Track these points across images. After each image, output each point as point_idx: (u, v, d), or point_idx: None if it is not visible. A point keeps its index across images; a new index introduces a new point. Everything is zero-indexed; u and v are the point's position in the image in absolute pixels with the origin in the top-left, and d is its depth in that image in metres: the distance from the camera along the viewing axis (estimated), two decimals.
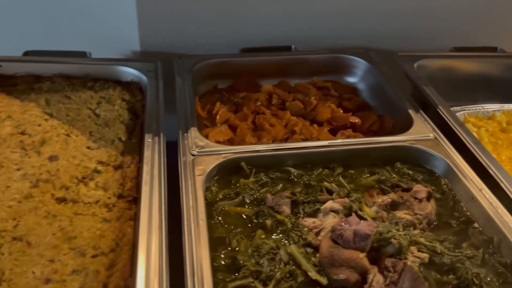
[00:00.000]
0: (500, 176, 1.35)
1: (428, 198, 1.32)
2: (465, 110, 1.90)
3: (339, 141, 1.48)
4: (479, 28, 2.20)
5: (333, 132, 1.70)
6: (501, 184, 1.33)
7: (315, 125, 1.70)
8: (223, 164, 1.36)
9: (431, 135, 1.53)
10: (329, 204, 1.25)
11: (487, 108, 1.93)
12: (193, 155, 1.38)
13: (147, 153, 1.36)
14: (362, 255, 1.07)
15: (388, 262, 1.06)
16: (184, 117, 1.55)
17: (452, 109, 1.87)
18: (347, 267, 1.06)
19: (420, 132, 1.54)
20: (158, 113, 1.55)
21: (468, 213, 1.31)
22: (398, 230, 1.17)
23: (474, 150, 1.46)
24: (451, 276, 1.10)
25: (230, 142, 1.63)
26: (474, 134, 1.78)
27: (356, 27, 2.11)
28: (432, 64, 2.03)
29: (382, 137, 1.51)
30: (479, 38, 2.19)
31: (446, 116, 1.63)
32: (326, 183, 1.34)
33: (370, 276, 1.02)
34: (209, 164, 1.34)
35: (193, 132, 1.46)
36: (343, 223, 1.14)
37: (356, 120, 1.73)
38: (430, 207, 1.27)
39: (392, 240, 1.11)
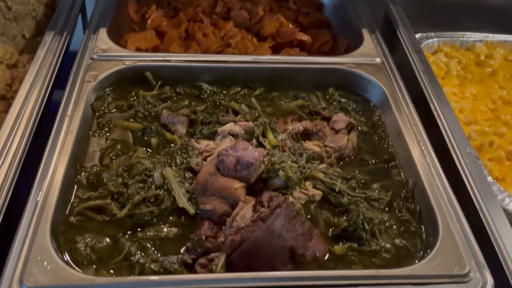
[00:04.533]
0: (440, 112, 1.16)
1: (350, 130, 1.14)
2: (441, 37, 1.65)
3: (265, 57, 1.28)
4: None
5: (277, 50, 1.49)
6: (438, 120, 1.13)
7: (254, 40, 1.49)
8: (123, 72, 1.20)
9: (378, 60, 1.31)
10: (229, 126, 1.09)
11: (467, 38, 1.67)
12: (92, 59, 1.21)
13: (39, 52, 1.20)
14: (238, 185, 0.93)
15: (266, 196, 0.91)
16: (98, 16, 1.36)
17: (424, 35, 1.64)
18: (218, 197, 0.92)
19: (366, 55, 1.32)
20: (72, 9, 1.37)
21: (392, 150, 1.13)
22: (296, 162, 1.01)
23: (421, 80, 1.25)
24: (343, 218, 0.95)
25: (155, 50, 1.45)
26: (442, 64, 1.56)
27: None
28: None
29: (317, 57, 1.30)
30: None
31: (404, 39, 1.39)
32: (233, 103, 1.17)
33: (236, 209, 0.88)
34: (105, 70, 1.18)
35: (101, 34, 1.29)
36: (230, 149, 0.99)
37: (305, 37, 1.51)
38: (345, 140, 1.10)
39: (280, 172, 0.96)
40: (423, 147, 1.07)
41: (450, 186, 1.00)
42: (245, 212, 0.88)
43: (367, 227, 0.92)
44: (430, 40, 1.63)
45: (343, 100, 1.25)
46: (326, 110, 1.21)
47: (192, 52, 1.40)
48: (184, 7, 1.59)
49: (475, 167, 1.03)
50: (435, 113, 1.15)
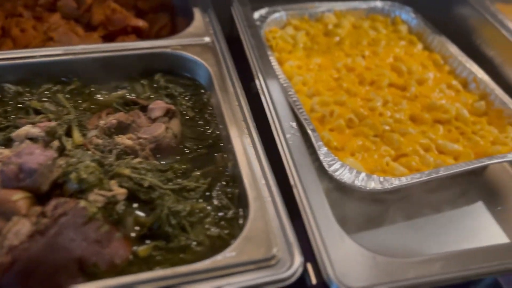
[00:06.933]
0: (265, 88, 1.10)
1: (171, 117, 1.06)
2: (289, 10, 1.61)
3: (78, 47, 1.16)
4: None
5: (110, 39, 1.38)
6: (262, 97, 1.08)
7: (81, 30, 1.36)
8: None
9: (207, 39, 1.23)
10: (25, 129, 0.96)
11: (316, 8, 1.65)
12: None
13: None
14: (17, 196, 0.81)
15: (51, 204, 0.81)
16: None
17: (272, 9, 1.59)
18: None
19: (195, 35, 1.24)
20: None
21: (218, 133, 1.06)
22: (100, 160, 0.91)
23: (250, 55, 1.19)
24: (151, 216, 0.87)
25: None
26: (289, 38, 1.52)
27: None
28: None
29: (137, 42, 1.20)
30: None
31: (237, 14, 1.33)
32: (35, 103, 1.04)
33: (9, 225, 0.77)
34: None
35: None
36: (13, 156, 0.86)
37: (140, 23, 1.40)
38: (162, 129, 1.01)
39: (72, 174, 0.85)
40: (245, 127, 1.01)
41: (269, 164, 0.95)
42: (19, 227, 0.76)
43: (173, 221, 0.84)
44: (278, 14, 1.58)
45: (170, 85, 1.16)
46: (151, 99, 1.11)
47: (6, 50, 1.25)
48: (1, 2, 1.42)
49: (295, 141, 0.99)
50: (259, 90, 1.10)
